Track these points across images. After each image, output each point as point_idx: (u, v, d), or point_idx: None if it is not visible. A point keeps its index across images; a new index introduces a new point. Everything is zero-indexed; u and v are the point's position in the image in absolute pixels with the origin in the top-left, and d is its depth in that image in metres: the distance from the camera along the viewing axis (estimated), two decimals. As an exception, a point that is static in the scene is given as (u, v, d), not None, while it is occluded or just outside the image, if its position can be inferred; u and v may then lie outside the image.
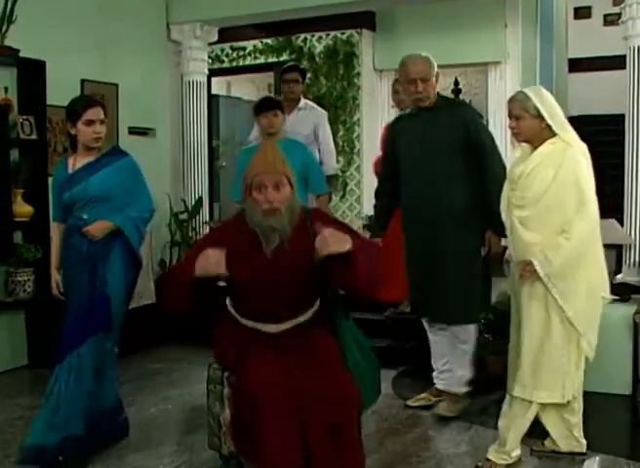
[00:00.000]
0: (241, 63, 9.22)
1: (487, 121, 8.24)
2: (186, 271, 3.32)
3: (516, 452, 3.83)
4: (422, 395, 4.81)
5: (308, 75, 8.63)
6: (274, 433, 3.15)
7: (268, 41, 8.96)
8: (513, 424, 3.76)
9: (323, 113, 6.50)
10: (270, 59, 9.00)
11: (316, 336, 3.51)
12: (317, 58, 8.64)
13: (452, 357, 4.64)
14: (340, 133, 8.37)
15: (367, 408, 3.71)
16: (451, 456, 4.02)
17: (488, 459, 3.82)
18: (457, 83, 10.39)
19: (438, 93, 4.55)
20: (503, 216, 3.85)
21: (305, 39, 8.73)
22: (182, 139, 7.31)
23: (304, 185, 4.99)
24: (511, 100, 3.79)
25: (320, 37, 8.65)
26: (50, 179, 4.26)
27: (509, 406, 3.79)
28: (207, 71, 7.64)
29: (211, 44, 7.71)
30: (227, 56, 9.22)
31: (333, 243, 3.20)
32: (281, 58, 8.88)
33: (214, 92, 9.15)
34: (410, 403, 4.80)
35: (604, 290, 3.76)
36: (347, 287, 3.44)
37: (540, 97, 3.74)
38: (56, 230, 4.23)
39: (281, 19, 7.55)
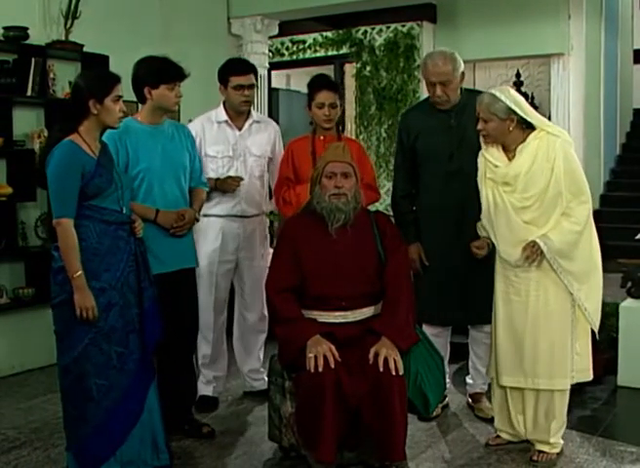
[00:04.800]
0: (301, 57, 9.25)
1: (549, 114, 8.14)
2: (300, 341, 3.54)
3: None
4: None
5: (368, 68, 8.65)
6: (331, 427, 3.35)
7: (329, 34, 8.97)
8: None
9: (277, 127, 4.93)
10: (330, 53, 9.02)
11: (375, 337, 3.59)
12: (377, 51, 8.62)
13: (475, 356, 4.55)
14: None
15: (435, 407, 3.81)
16: (513, 451, 3.99)
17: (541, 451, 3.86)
18: (518, 75, 10.32)
19: (463, 88, 4.36)
20: (486, 222, 3.85)
21: (366, 32, 8.72)
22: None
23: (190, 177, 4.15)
24: (479, 103, 3.75)
25: (380, 30, 8.63)
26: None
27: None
28: (267, 65, 7.68)
29: (271, 37, 7.74)
30: (287, 49, 9.26)
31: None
32: (341, 51, 8.91)
33: (273, 85, 9.18)
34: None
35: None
36: None
37: (512, 97, 3.70)
38: (73, 230, 3.32)
39: (341, 11, 7.57)
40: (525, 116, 3.68)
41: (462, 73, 4.28)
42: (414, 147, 4.38)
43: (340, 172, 3.71)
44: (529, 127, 3.72)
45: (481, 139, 3.83)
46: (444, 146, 4.28)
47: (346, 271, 3.67)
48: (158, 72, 3.97)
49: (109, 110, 3.43)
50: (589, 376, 3.85)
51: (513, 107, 3.66)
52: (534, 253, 3.66)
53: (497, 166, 3.75)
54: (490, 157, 3.78)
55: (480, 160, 3.87)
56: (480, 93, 3.98)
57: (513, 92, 3.77)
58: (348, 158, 3.79)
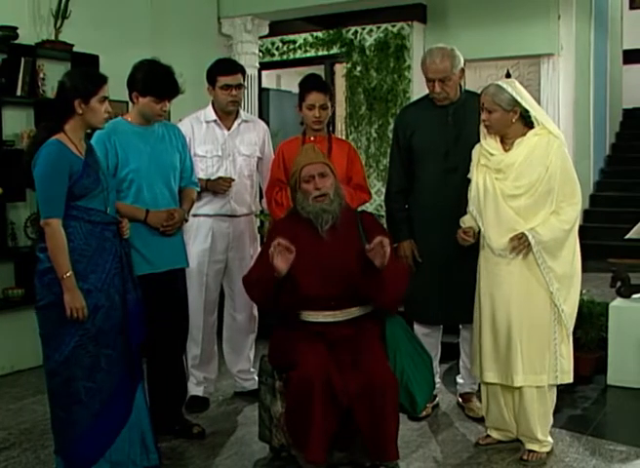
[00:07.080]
0: (291, 57, 9.25)
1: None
2: (269, 275, 3.53)
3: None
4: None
5: (359, 68, 8.64)
6: (321, 426, 3.36)
7: (319, 34, 8.96)
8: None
9: (266, 127, 4.91)
10: (321, 53, 9.01)
11: (367, 337, 3.63)
12: (368, 51, 8.62)
13: (465, 355, 4.55)
14: (391, 126, 8.33)
15: (423, 406, 3.78)
16: (503, 451, 3.99)
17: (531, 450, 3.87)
18: (508, 75, 10.31)
19: (464, 89, 4.38)
20: (473, 209, 3.87)
21: (356, 32, 8.72)
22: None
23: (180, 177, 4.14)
24: (484, 93, 3.77)
25: (371, 30, 8.62)
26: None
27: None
28: (258, 65, 7.68)
29: (261, 37, 7.74)
30: (278, 49, 9.26)
31: (382, 256, 3.48)
32: (331, 52, 8.90)
33: (263, 85, 9.18)
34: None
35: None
36: (374, 301, 3.73)
37: (518, 90, 3.73)
38: (61, 231, 3.30)
39: (332, 11, 7.57)
40: (529, 108, 3.72)
41: (462, 70, 4.28)
42: (409, 144, 4.37)
43: (317, 173, 3.72)
44: (527, 125, 3.76)
45: (482, 130, 3.85)
46: (439, 143, 4.28)
47: (334, 271, 3.66)
48: (149, 83, 3.89)
49: (95, 111, 3.39)
50: (571, 379, 3.87)
51: (518, 99, 3.69)
52: (521, 245, 3.69)
53: (492, 154, 3.79)
54: (487, 146, 3.82)
55: (475, 150, 3.91)
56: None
57: (519, 85, 3.79)
58: (321, 157, 3.80)
